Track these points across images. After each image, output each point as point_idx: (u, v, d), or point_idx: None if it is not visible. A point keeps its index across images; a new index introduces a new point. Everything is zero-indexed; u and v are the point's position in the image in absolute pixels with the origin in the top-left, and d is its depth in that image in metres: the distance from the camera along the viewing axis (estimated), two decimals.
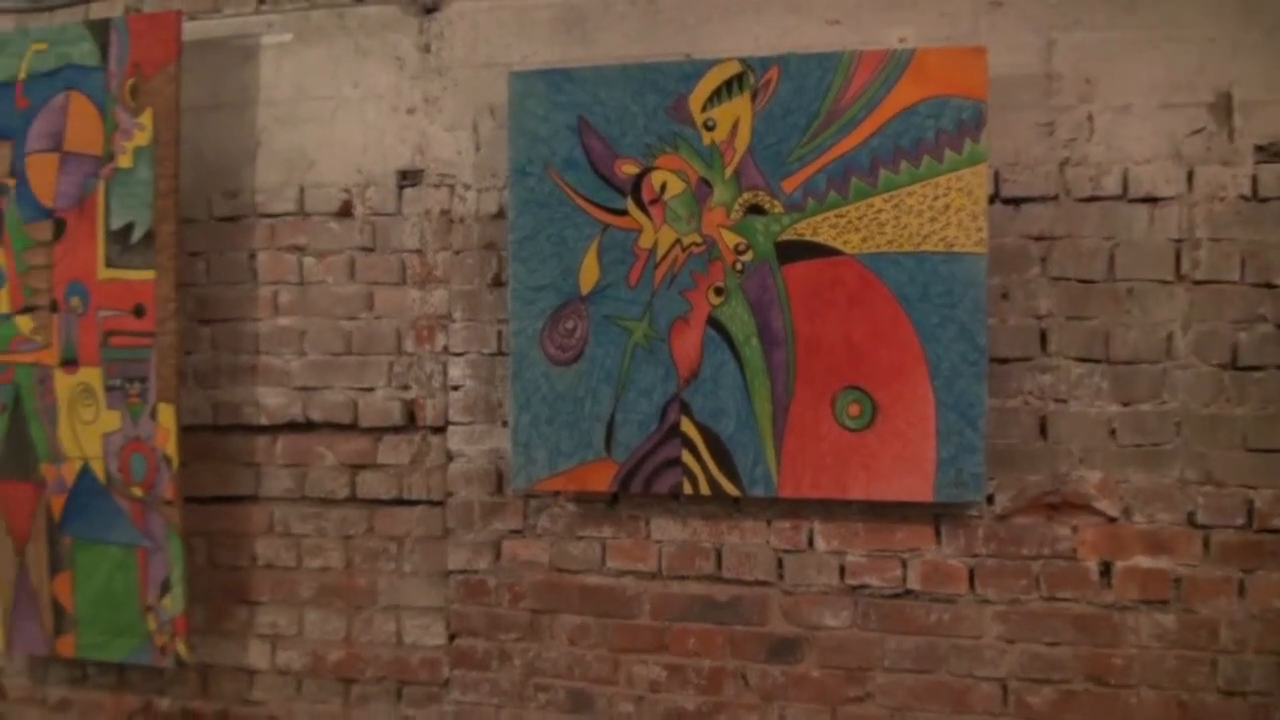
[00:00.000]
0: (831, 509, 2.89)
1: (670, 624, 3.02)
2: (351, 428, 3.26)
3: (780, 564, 2.94)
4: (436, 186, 3.17)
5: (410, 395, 3.21)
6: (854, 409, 2.77)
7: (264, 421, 3.33)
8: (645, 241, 2.89)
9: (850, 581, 2.89)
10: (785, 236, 2.80)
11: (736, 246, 2.84)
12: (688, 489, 2.90)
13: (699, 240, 2.86)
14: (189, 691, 3.44)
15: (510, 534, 3.13)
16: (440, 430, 3.19)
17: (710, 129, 2.85)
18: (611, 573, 3.06)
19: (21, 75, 3.38)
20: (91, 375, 3.29)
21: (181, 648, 3.22)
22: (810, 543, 2.92)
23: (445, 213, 3.17)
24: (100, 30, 3.27)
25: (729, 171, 2.84)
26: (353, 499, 3.26)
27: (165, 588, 3.21)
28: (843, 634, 2.90)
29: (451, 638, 3.18)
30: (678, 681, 3.01)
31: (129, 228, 3.22)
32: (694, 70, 2.86)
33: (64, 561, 3.36)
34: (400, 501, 3.23)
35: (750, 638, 2.97)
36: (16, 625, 3.45)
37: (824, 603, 2.91)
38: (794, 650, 2.93)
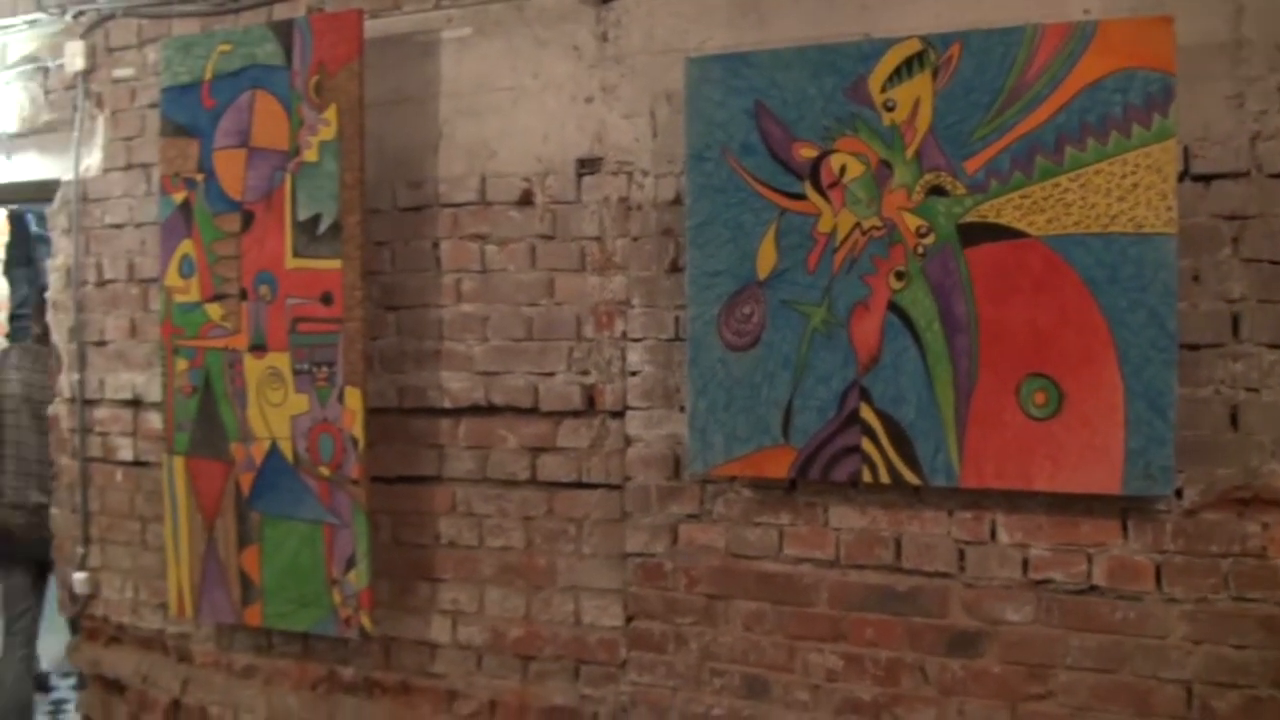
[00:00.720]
0: (1015, 500, 2.90)
1: (847, 613, 3.09)
2: (532, 411, 3.45)
3: (961, 556, 2.97)
4: (615, 174, 3.33)
5: (589, 380, 3.38)
6: (1039, 397, 2.79)
7: (448, 405, 3.56)
8: (824, 225, 2.98)
9: (1033, 576, 2.89)
10: (968, 219, 2.84)
11: (918, 229, 2.89)
12: (867, 477, 2.97)
13: (879, 224, 2.93)
14: (371, 663, 3.71)
15: (687, 518, 3.26)
16: (619, 415, 3.35)
17: (890, 109, 2.91)
18: (788, 560, 3.15)
19: (208, 76, 3.71)
20: (280, 360, 3.59)
21: (365, 620, 3.49)
22: (993, 534, 2.94)
23: (624, 200, 3.32)
24: (284, 31, 3.56)
25: (910, 152, 2.90)
26: (533, 481, 3.46)
27: (350, 563, 3.48)
28: (1025, 630, 2.90)
29: (629, 619, 3.34)
30: (854, 671, 3.08)
31: (316, 219, 3.49)
32: (873, 50, 2.93)
33: (252, 535, 3.68)
34: (579, 484, 3.40)
35: (929, 630, 3.01)
36: (206, 595, 3.81)
37: (1006, 597, 2.92)
38: (974, 644, 2.96)
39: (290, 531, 3.62)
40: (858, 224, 2.97)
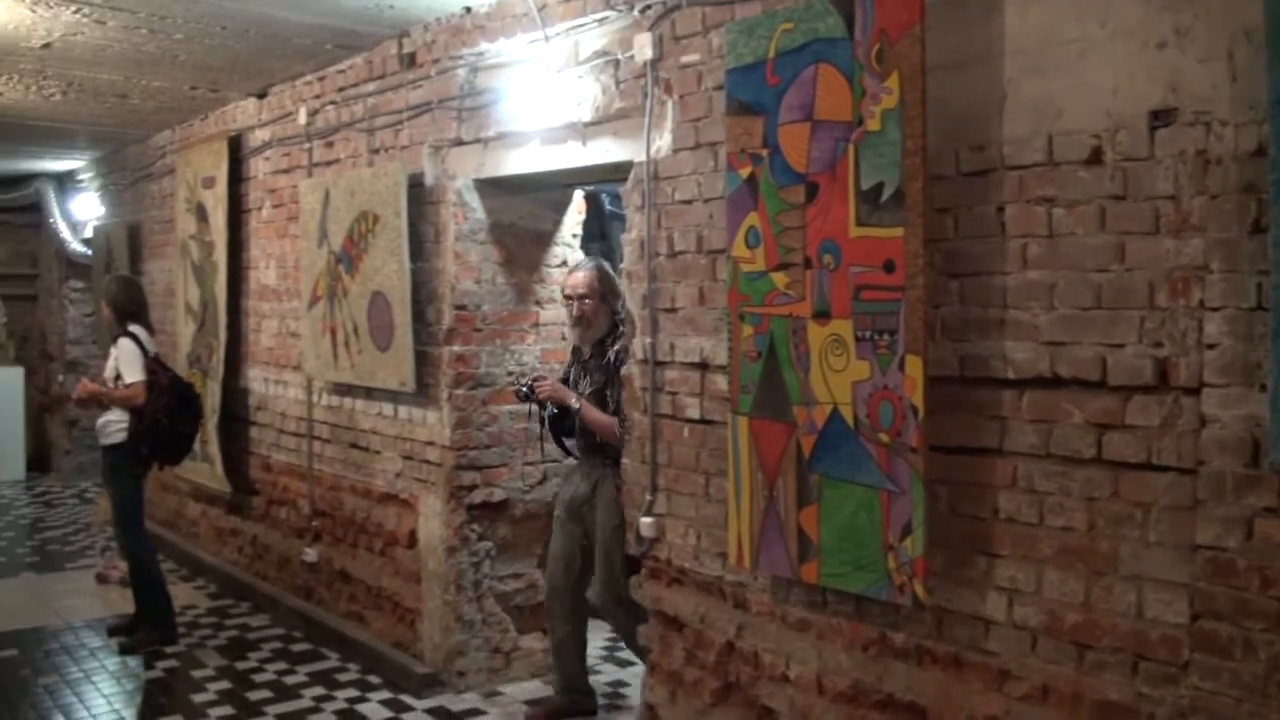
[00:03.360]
0: None
1: None
2: (1099, 385, 3.47)
3: None
4: (1191, 125, 3.26)
5: (1162, 353, 3.34)
6: None
7: (1010, 376, 3.67)
8: None
9: None
10: None
11: None
12: None
13: None
14: (923, 631, 3.94)
15: (1263, 512, 3.14)
16: (1193, 392, 3.28)
17: None
18: None
19: (771, 54, 4.13)
20: (842, 327, 3.93)
21: (919, 588, 3.76)
22: None
23: (1201, 153, 3.24)
24: (844, 3, 3.86)
25: None
26: (1098, 460, 3.48)
27: (906, 530, 3.76)
28: None
29: (1194, 618, 3.27)
30: None
31: (878, 187, 3.77)
32: None
33: (811, 496, 4.07)
34: (1148, 466, 3.37)
35: None
36: (764, 548, 4.28)
37: None
38: None
39: (848, 495, 3.98)
40: None
